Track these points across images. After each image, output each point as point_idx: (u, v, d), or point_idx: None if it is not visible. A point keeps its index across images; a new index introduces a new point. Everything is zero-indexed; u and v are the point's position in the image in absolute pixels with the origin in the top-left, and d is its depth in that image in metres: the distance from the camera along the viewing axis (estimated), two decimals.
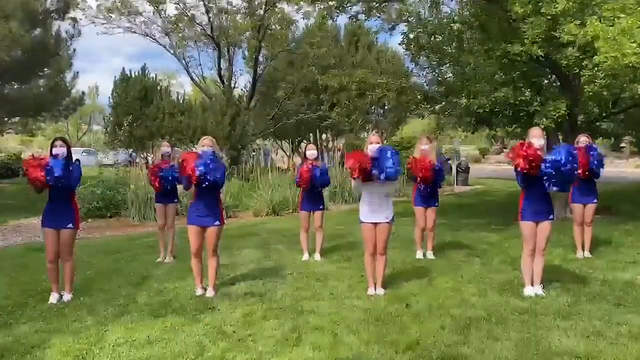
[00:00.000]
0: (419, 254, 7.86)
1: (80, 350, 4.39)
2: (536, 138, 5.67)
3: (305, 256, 7.88)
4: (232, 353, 4.30)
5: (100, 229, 11.36)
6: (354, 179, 5.73)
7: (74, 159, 5.88)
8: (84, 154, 35.65)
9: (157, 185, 7.74)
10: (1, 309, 5.57)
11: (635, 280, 6.33)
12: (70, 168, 5.72)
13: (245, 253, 8.29)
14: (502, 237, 9.26)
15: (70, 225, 5.83)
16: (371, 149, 5.80)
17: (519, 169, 5.52)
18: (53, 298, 5.83)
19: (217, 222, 5.92)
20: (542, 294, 5.72)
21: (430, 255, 7.87)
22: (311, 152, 7.97)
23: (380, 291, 5.96)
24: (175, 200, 8.13)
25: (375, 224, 5.86)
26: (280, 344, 4.48)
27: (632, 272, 6.69)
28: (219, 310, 5.39)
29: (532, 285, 5.81)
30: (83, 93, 22.84)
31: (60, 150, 5.78)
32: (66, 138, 6.26)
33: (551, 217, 5.78)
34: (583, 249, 7.79)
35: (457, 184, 22.01)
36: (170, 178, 7.64)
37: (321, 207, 8.00)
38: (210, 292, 5.95)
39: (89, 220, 12.18)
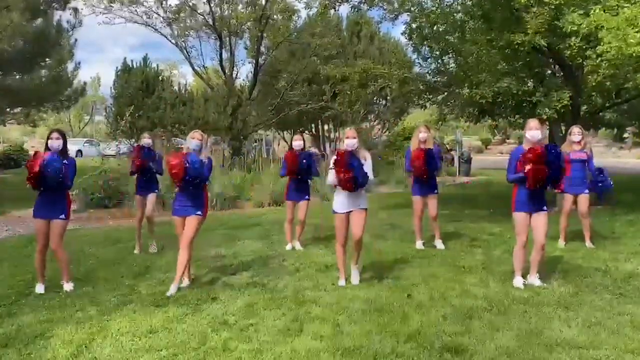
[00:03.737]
0: (419, 244, 7.84)
1: (83, 340, 4.41)
2: (533, 131, 5.64)
3: (289, 246, 7.92)
4: (234, 343, 4.33)
5: (103, 219, 11.38)
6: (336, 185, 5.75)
7: (70, 151, 5.85)
8: (86, 144, 35.75)
9: (138, 164, 7.67)
10: (5, 298, 5.60)
11: (636, 270, 6.34)
12: (65, 162, 5.72)
13: (247, 243, 8.31)
14: (504, 227, 9.23)
15: (62, 216, 5.81)
16: (347, 143, 5.77)
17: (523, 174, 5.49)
18: (39, 288, 5.82)
19: (198, 212, 5.85)
20: (540, 284, 5.70)
21: (439, 244, 7.84)
22: (297, 143, 7.96)
23: (356, 275, 6.02)
24: (157, 190, 8.10)
25: (349, 212, 5.85)
26: (282, 334, 4.50)
27: (634, 263, 6.69)
28: (222, 301, 5.41)
29: (522, 276, 5.79)
30: (85, 84, 22.79)
31: (56, 142, 5.76)
32: (63, 130, 6.21)
33: (545, 208, 5.74)
34: (565, 240, 7.86)
35: (459, 175, 21.98)
36: (150, 165, 7.70)
37: (307, 197, 7.99)
38: (173, 287, 5.72)
39: (91, 210, 12.18)
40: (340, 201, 5.88)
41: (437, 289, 5.68)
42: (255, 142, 23.12)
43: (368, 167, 5.77)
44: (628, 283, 5.83)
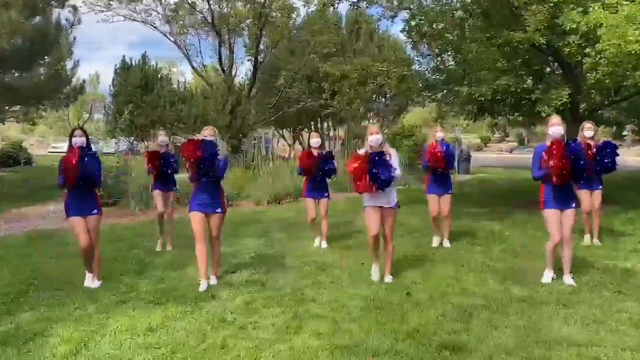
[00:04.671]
0: (436, 241, 7.89)
1: (81, 338, 4.41)
2: (556, 127, 5.62)
3: (317, 242, 7.99)
4: (233, 340, 4.33)
5: (102, 217, 11.36)
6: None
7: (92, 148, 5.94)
8: None
9: (157, 165, 7.65)
10: (4, 296, 5.59)
11: (635, 268, 6.34)
12: (86, 160, 5.75)
13: (246, 241, 8.30)
14: (504, 226, 9.26)
15: (95, 211, 5.95)
16: (371, 140, 5.78)
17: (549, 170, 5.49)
18: (88, 281, 5.97)
19: (219, 210, 5.94)
20: (573, 284, 5.66)
21: (446, 243, 7.87)
22: (315, 140, 8.01)
23: (388, 279, 5.98)
24: (175, 187, 8.08)
25: (380, 207, 5.85)
26: (281, 332, 4.50)
27: (633, 261, 6.70)
28: (221, 298, 5.41)
29: (552, 272, 5.81)
30: (84, 81, 22.78)
31: (80, 140, 5.85)
32: (84, 128, 6.32)
33: (573, 205, 5.73)
34: (591, 236, 7.83)
35: (458, 173, 21.99)
36: (171, 161, 7.66)
37: (326, 194, 8.01)
38: (213, 280, 5.96)
39: None
40: (368, 195, 5.86)
41: (436, 287, 5.69)
42: (254, 140, 23.10)
43: (395, 163, 5.76)
44: (627, 281, 5.83)
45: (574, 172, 5.46)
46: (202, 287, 5.76)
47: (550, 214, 5.72)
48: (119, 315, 4.96)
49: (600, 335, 4.32)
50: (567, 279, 5.75)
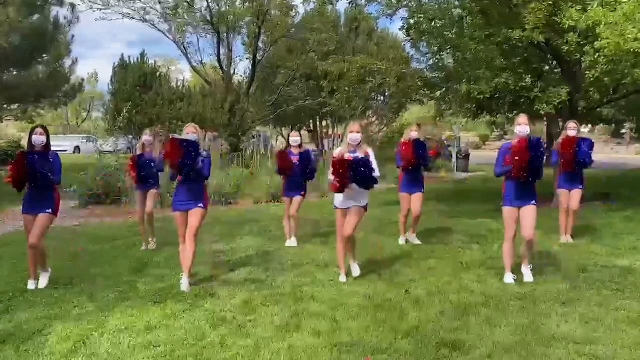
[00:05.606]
0: (402, 240, 7.92)
1: (80, 336, 4.41)
2: (522, 126, 5.71)
3: (288, 242, 7.95)
4: (232, 339, 4.32)
5: (100, 216, 11.36)
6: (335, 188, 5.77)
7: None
8: (83, 140, 35.66)
9: (134, 175, 7.68)
10: (2, 295, 5.58)
11: (634, 266, 6.35)
12: (51, 159, 5.72)
13: (245, 240, 8.30)
14: (502, 223, 9.22)
15: (48, 210, 5.78)
16: (351, 138, 5.78)
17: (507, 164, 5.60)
18: (31, 284, 5.81)
19: (200, 205, 5.78)
20: (529, 275, 5.76)
21: (414, 239, 7.91)
22: (294, 140, 8.01)
23: (356, 269, 6.05)
24: (157, 187, 7.99)
25: (348, 208, 5.85)
26: (280, 330, 4.50)
27: (631, 259, 6.71)
28: (219, 297, 5.41)
29: (511, 272, 5.83)
30: (82, 80, 22.76)
31: (40, 138, 5.74)
32: (46, 126, 6.15)
33: (534, 202, 5.77)
34: (566, 233, 7.86)
35: (457, 171, 21.99)
36: (149, 164, 7.66)
37: (301, 192, 7.99)
38: (185, 281, 5.73)
39: (89, 207, 12.18)
40: (340, 197, 5.89)
41: (435, 285, 5.69)
42: (253, 138, 23.08)
43: (374, 164, 5.75)
44: (625, 279, 5.84)
45: (531, 164, 5.50)
46: (184, 287, 5.67)
47: (508, 212, 5.81)
48: (118, 313, 4.95)
49: (598, 333, 4.32)
50: (525, 270, 5.83)
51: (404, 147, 7.67)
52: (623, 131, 37.00)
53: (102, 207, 12.23)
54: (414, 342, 4.21)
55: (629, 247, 7.34)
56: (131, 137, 22.52)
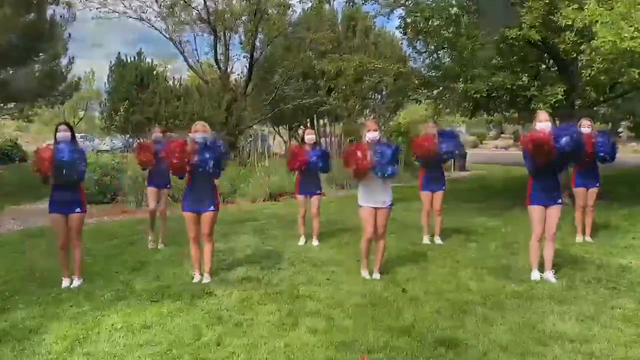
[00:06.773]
0: (426, 239, 7.87)
1: (77, 335, 4.41)
2: (543, 123, 5.63)
3: (302, 240, 7.88)
4: (228, 338, 4.33)
5: (97, 215, 11.33)
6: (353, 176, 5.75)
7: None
8: (80, 139, 35.55)
9: (151, 158, 7.51)
10: None
11: (630, 264, 6.37)
12: (76, 155, 5.72)
13: (242, 238, 8.30)
14: (499, 222, 9.28)
15: (78, 209, 5.86)
16: (369, 136, 5.79)
17: (529, 154, 5.51)
18: (65, 282, 5.86)
19: (212, 208, 5.86)
20: (553, 281, 5.69)
21: (438, 240, 7.85)
22: (309, 137, 7.94)
23: (377, 275, 5.98)
24: (169, 185, 7.99)
25: (375, 208, 5.85)
26: (276, 329, 4.51)
27: (628, 257, 6.73)
28: (216, 296, 5.41)
29: (538, 270, 5.82)
30: (79, 78, 22.67)
31: (64, 134, 5.78)
32: (70, 123, 6.24)
33: (560, 201, 5.76)
34: (583, 234, 7.82)
35: (454, 170, 22.02)
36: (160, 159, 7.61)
37: (318, 192, 7.96)
38: (206, 278, 5.94)
39: (87, 206, 12.17)
40: (364, 194, 5.88)
41: (431, 284, 5.70)
42: (251, 137, 23.05)
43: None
44: (622, 277, 5.86)
45: (553, 149, 5.37)
46: (196, 279, 5.89)
47: (535, 211, 5.77)
48: (115, 312, 4.95)
49: (594, 331, 4.34)
50: (549, 276, 5.78)
51: (425, 142, 7.48)
52: (619, 130, 37.14)
53: (98, 206, 12.20)
54: (410, 340, 4.22)
55: (625, 245, 7.36)
56: (128, 136, 22.48)
